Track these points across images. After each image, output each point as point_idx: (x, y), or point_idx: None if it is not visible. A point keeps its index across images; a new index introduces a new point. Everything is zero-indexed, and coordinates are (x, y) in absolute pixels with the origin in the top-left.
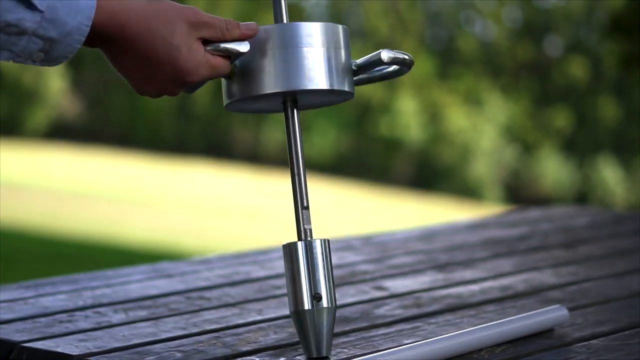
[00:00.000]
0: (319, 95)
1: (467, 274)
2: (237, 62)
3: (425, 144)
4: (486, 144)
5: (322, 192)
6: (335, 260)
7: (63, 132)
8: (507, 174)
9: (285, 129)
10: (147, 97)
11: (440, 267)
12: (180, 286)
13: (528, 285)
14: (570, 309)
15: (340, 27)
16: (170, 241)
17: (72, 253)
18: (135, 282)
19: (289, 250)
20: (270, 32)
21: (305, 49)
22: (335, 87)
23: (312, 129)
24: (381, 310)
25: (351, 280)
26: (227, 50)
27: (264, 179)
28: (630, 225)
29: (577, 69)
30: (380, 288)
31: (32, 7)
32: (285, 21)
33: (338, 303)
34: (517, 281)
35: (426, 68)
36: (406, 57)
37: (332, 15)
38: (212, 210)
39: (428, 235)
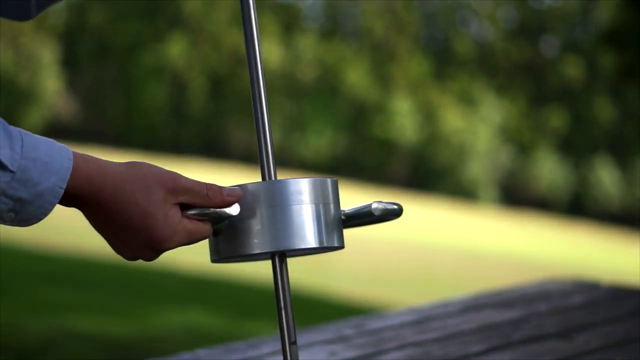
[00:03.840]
0: (308, 250)
1: None
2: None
3: (420, 145)
4: (481, 144)
5: None
6: (326, 356)
7: (59, 133)
8: (502, 174)
9: (273, 281)
10: (143, 97)
11: None
12: None
13: None
14: None
15: (328, 180)
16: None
17: (63, 272)
18: None
19: None
20: (258, 191)
21: (294, 207)
22: (325, 245)
23: (308, 129)
24: None
25: None
26: (216, 214)
27: (260, 179)
28: (628, 305)
29: (573, 70)
30: None
31: (2, 167)
32: (273, 178)
33: None
34: None
35: (421, 68)
36: (395, 207)
37: (329, 16)
38: None
39: (421, 320)
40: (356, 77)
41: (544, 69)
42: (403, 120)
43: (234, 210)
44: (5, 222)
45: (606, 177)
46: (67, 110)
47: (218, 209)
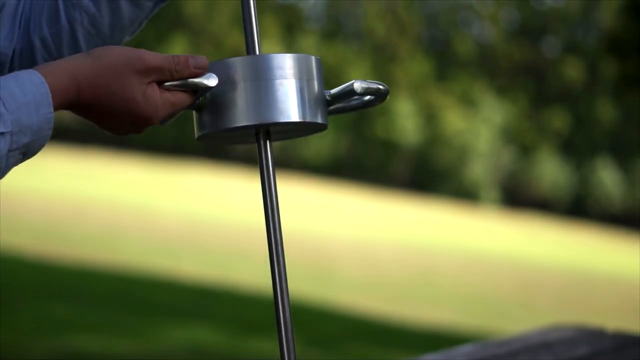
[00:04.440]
0: (292, 127)
1: None
2: (207, 94)
3: (422, 146)
4: (483, 145)
5: (318, 193)
6: None
7: (59, 133)
8: (503, 175)
9: (258, 162)
10: None
11: None
12: None
13: None
14: None
15: (312, 57)
16: (167, 263)
17: (63, 284)
18: None
19: None
20: (241, 65)
21: (277, 81)
22: (308, 119)
23: None
24: None
25: None
26: (194, 85)
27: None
28: (633, 354)
29: (574, 71)
30: None
31: (2, 134)
32: (257, 53)
33: None
34: None
35: (422, 69)
36: (380, 87)
37: (330, 17)
38: (210, 220)
39: None
40: (357, 78)
41: (545, 70)
42: (404, 121)
43: (212, 81)
44: (15, 165)
45: (607, 178)
46: (68, 111)
47: (196, 80)
